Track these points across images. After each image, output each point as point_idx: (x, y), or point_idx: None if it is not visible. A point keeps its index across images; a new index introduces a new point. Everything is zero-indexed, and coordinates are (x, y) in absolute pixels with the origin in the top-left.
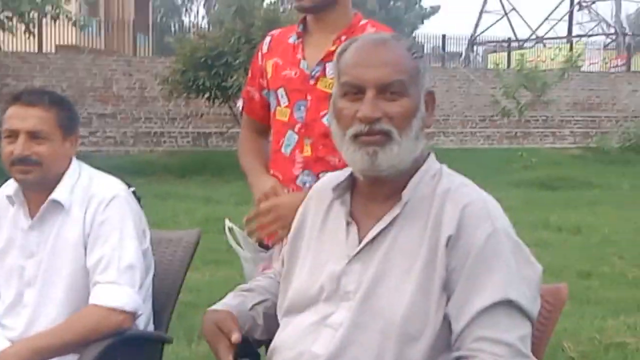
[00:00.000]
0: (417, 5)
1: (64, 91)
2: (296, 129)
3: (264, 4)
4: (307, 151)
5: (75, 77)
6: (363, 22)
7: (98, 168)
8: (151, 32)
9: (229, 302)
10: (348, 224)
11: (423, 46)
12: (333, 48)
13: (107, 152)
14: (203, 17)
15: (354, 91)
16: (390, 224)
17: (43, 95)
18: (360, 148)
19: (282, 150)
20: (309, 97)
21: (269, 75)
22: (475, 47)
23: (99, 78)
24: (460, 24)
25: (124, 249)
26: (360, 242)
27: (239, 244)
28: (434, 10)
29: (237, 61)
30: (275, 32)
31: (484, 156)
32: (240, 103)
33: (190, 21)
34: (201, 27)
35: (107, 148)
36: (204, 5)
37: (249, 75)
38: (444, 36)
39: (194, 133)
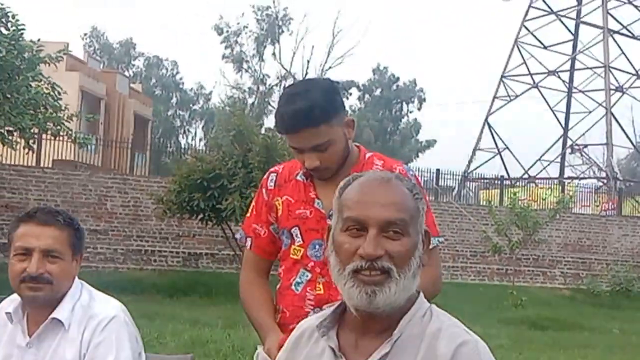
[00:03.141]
0: (413, 139)
1: (57, 206)
2: (309, 267)
3: (262, 130)
4: (320, 289)
5: (71, 192)
6: (368, 154)
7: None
8: (149, 152)
9: None
10: (337, 358)
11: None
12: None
13: (97, 269)
14: (200, 140)
15: (357, 227)
16: None
17: (57, 215)
18: (359, 285)
19: (292, 287)
20: (326, 237)
21: (280, 213)
22: (467, 183)
23: (93, 194)
24: (455, 159)
25: None
26: None
27: None
28: (430, 144)
29: (233, 184)
30: (278, 168)
31: (474, 292)
32: (248, 241)
33: (187, 143)
34: (198, 150)
35: (97, 264)
36: (202, 128)
37: (253, 212)
38: (438, 170)
39: (185, 253)
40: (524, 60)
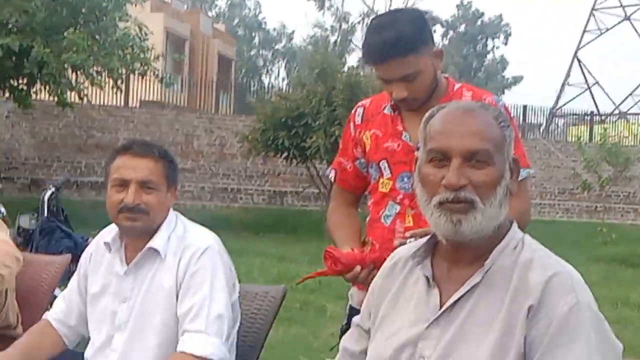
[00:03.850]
0: (499, 76)
1: None
2: (398, 200)
3: (346, 68)
4: (409, 222)
5: (158, 132)
6: (457, 85)
7: None
8: (232, 91)
9: None
10: (430, 287)
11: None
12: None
13: (184, 206)
14: (283, 79)
15: (440, 158)
16: (471, 290)
17: (152, 147)
18: (445, 215)
19: (382, 220)
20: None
21: (368, 147)
22: (555, 119)
23: (180, 133)
24: (543, 95)
25: (214, 299)
26: (441, 306)
27: None
28: (517, 80)
29: (317, 123)
30: (365, 102)
31: (562, 229)
32: (331, 173)
33: (270, 82)
34: (281, 89)
35: (184, 202)
36: (285, 67)
37: (341, 146)
38: (524, 107)
39: (270, 191)
40: None
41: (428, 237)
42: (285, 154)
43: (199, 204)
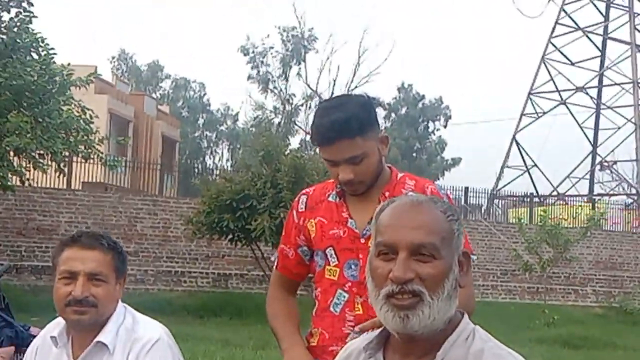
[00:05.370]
0: (438, 157)
1: (88, 228)
2: (346, 288)
3: (289, 150)
4: (359, 309)
5: (101, 215)
6: (400, 175)
7: None
8: (177, 173)
9: None
10: None
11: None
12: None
13: (127, 290)
14: (227, 160)
15: (387, 251)
16: None
17: (101, 238)
18: (392, 310)
19: (331, 308)
20: (360, 256)
21: (313, 235)
22: (496, 201)
23: (124, 216)
24: (482, 177)
25: None
26: None
27: None
28: (455, 162)
29: (262, 205)
30: (309, 190)
31: (506, 311)
32: (275, 259)
33: (214, 163)
34: (226, 170)
35: (128, 286)
36: (229, 148)
37: (283, 233)
38: (466, 188)
39: (215, 274)
40: (551, 77)
41: (380, 329)
42: (230, 236)
43: (142, 288)
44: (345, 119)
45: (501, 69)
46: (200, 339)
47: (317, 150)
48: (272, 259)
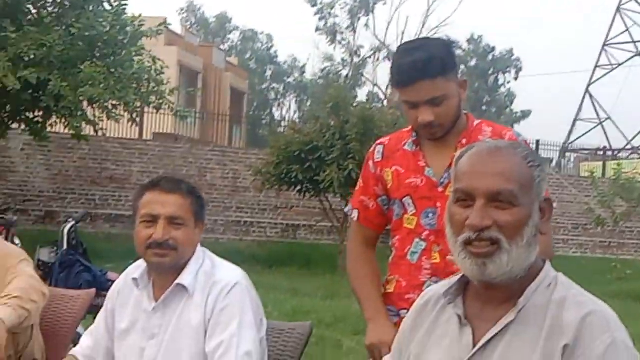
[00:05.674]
0: (507, 109)
1: None
2: (423, 236)
3: (356, 101)
4: (436, 258)
5: (172, 165)
6: (477, 122)
7: None
8: (244, 125)
9: None
10: (462, 326)
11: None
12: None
13: None
14: (295, 112)
15: (466, 198)
16: (504, 329)
17: (180, 183)
18: (470, 257)
19: (408, 257)
20: (438, 205)
21: (390, 184)
22: (567, 154)
23: (194, 166)
24: (552, 130)
25: (242, 336)
26: (474, 345)
27: None
28: (525, 114)
29: (331, 156)
30: (384, 140)
31: (576, 265)
32: (354, 213)
33: (281, 115)
34: (294, 121)
35: None
36: (296, 100)
37: (361, 184)
38: (537, 141)
39: (283, 224)
40: (627, 27)
41: (460, 275)
42: (298, 187)
43: (212, 237)
44: (427, 58)
45: (575, 20)
46: (269, 288)
47: (386, 102)
48: (347, 211)
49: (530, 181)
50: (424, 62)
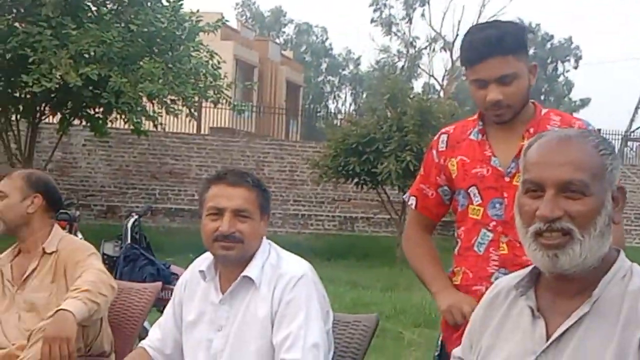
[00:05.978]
0: (566, 98)
1: None
2: (491, 227)
3: (413, 92)
4: (504, 249)
5: (230, 159)
6: (544, 110)
7: None
8: (300, 118)
9: None
10: (535, 318)
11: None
12: (524, 142)
13: None
14: (350, 104)
15: (536, 188)
16: (579, 321)
17: (246, 176)
18: (541, 248)
19: (475, 248)
20: (505, 195)
21: (455, 174)
22: (630, 143)
23: (251, 160)
24: (613, 119)
25: (309, 328)
26: (547, 338)
27: None
28: (584, 103)
29: (388, 148)
30: (448, 129)
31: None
32: (411, 200)
33: (337, 107)
34: (350, 114)
35: None
36: (351, 93)
37: (421, 172)
38: (598, 130)
39: (341, 217)
40: None
41: (532, 267)
42: (355, 180)
43: (270, 231)
44: (499, 34)
45: (637, 6)
46: (328, 280)
47: (442, 93)
48: (405, 199)
49: (602, 170)
50: (497, 38)
